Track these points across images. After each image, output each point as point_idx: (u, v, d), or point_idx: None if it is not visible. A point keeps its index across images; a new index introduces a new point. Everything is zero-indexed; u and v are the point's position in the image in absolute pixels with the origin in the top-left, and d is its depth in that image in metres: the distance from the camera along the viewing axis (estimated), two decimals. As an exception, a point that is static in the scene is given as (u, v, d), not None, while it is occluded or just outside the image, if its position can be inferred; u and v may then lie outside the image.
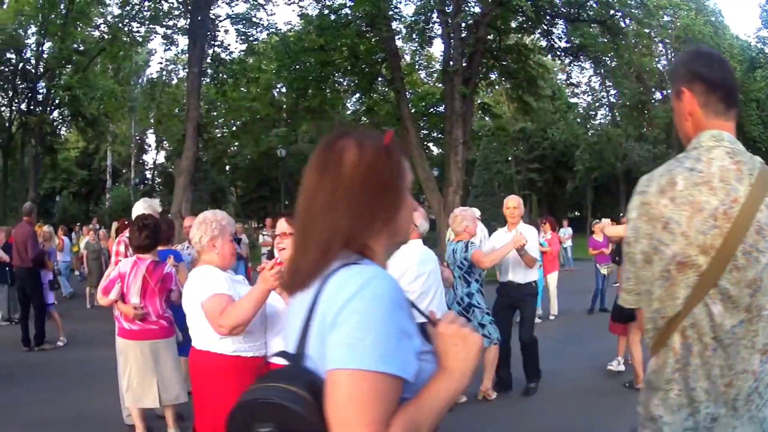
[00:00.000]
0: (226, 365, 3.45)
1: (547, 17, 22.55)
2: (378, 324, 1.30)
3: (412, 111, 23.95)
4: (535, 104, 29.05)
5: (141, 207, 6.41)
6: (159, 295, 5.46)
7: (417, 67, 32.69)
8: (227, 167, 50.23)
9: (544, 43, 25.17)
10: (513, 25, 23.43)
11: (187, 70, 23.54)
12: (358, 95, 28.67)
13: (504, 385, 7.03)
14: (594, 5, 21.83)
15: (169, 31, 24.56)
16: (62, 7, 23.21)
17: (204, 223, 3.65)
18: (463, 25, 21.31)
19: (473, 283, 6.66)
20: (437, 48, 62.72)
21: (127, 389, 5.47)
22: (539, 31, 23.98)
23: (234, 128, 38.02)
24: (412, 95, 27.59)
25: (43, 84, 27.78)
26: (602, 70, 27.31)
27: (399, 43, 24.44)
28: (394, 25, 22.59)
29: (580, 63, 26.93)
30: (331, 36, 22.08)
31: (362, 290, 1.32)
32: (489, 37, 22.36)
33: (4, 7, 28.23)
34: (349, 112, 34.20)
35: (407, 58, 29.90)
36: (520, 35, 25.62)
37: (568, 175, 45.38)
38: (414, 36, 23.35)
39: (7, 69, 31.81)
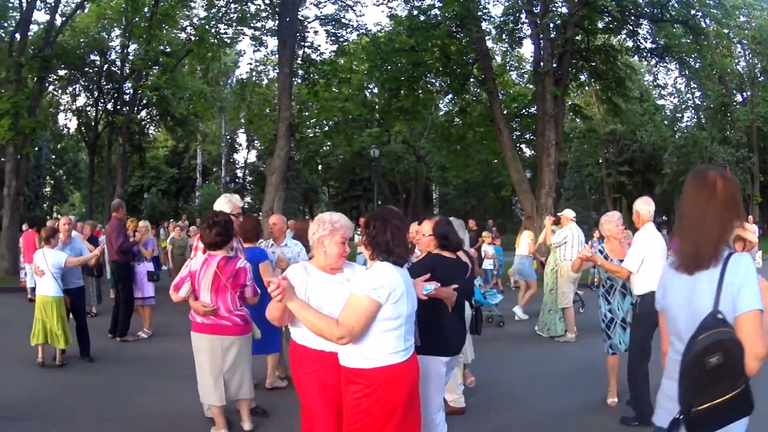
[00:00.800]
0: (299, 353, 3.88)
1: (632, 17, 22.30)
2: (758, 285, 2.40)
3: (504, 112, 23.60)
4: (624, 106, 28.43)
5: (222, 202, 6.45)
6: (232, 291, 5.47)
7: (508, 68, 32.11)
8: (319, 167, 50.72)
9: (630, 44, 24.96)
10: (600, 25, 23.16)
11: (277, 71, 23.63)
12: (450, 96, 28.64)
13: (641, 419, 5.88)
14: (675, 5, 21.51)
15: (257, 33, 24.92)
16: (146, 10, 23.47)
17: (318, 222, 3.90)
18: (552, 25, 21.13)
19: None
20: (527, 49, 62.09)
21: (199, 386, 5.63)
22: (625, 31, 23.76)
23: (326, 128, 38.31)
24: (504, 96, 27.23)
25: (130, 84, 28.17)
26: (687, 71, 26.51)
27: (489, 43, 24.29)
28: (484, 25, 22.57)
29: (665, 64, 26.43)
30: (422, 37, 22.40)
31: (750, 266, 2.41)
32: (577, 37, 22.23)
33: (86, 11, 28.80)
34: (441, 113, 33.72)
35: (498, 59, 29.79)
36: (607, 36, 25.28)
37: (657, 178, 44.20)
38: (504, 36, 23.30)
39: (91, 70, 32.60)
